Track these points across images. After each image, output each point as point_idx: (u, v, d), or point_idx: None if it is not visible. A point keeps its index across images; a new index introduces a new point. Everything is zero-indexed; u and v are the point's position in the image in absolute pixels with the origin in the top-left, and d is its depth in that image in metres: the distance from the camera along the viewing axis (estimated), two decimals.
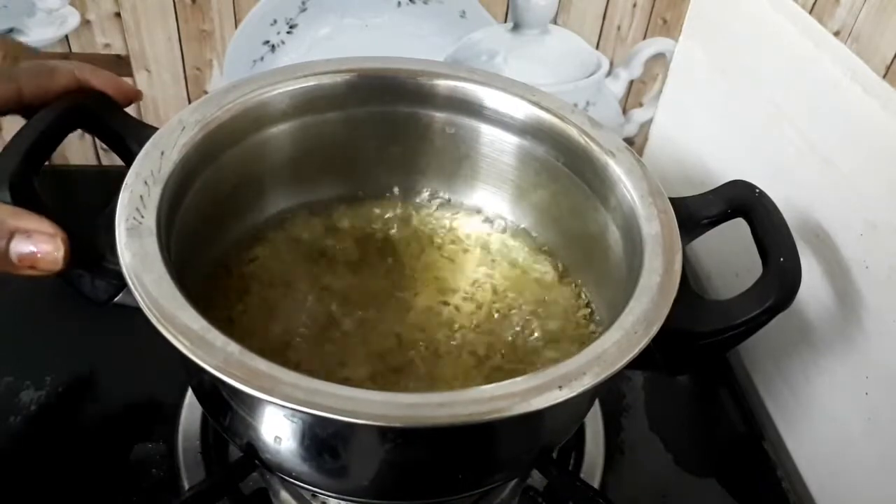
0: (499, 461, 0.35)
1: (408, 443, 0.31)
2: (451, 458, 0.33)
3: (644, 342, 0.30)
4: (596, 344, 0.30)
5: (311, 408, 0.26)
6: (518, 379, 0.28)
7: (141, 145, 0.35)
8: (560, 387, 0.27)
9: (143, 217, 0.31)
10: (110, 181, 0.33)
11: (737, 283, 0.54)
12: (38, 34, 0.64)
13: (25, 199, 0.32)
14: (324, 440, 0.31)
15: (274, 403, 0.26)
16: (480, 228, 0.47)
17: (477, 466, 0.34)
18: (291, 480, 0.34)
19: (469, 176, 0.47)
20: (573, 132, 0.41)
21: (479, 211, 0.48)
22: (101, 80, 0.38)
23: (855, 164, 0.41)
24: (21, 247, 0.30)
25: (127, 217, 0.31)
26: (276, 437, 0.32)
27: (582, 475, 0.44)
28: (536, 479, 0.42)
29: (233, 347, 0.27)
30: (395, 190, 0.48)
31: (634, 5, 0.61)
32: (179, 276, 0.30)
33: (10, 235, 0.30)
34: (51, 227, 0.31)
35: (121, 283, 0.30)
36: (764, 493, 0.47)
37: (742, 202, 0.39)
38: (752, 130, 0.51)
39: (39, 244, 0.30)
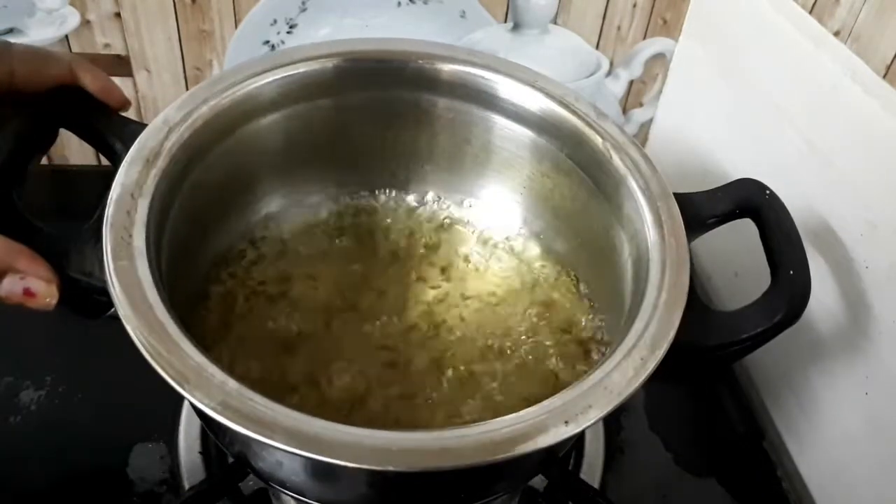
0: (500, 480, 0.34)
1: (409, 478, 0.29)
2: (452, 485, 0.32)
3: (651, 367, 0.29)
4: (599, 370, 0.29)
5: (312, 452, 0.25)
6: (522, 413, 0.27)
7: (123, 143, 0.33)
8: (566, 422, 0.27)
9: (131, 236, 0.30)
10: (110, 181, 0.32)
11: (737, 283, 0.54)
12: (38, 34, 0.64)
13: (3, 211, 0.31)
14: (323, 472, 0.30)
15: (276, 448, 0.25)
16: (480, 221, 0.47)
17: (478, 487, 0.33)
18: (285, 492, 0.34)
19: (468, 166, 0.45)
20: (577, 121, 0.39)
21: (478, 203, 0.47)
22: (94, 81, 0.36)
23: (855, 164, 0.41)
24: (13, 287, 0.29)
25: (114, 237, 0.30)
26: (278, 462, 0.31)
27: (582, 475, 0.44)
28: (536, 479, 0.42)
29: (231, 385, 0.26)
30: (393, 183, 0.47)
31: (634, 5, 0.61)
32: (172, 286, 0.29)
33: (3, 274, 0.29)
34: (46, 271, 0.30)
35: (111, 301, 0.29)
36: (764, 493, 0.47)
37: (751, 202, 0.37)
38: (752, 130, 0.51)
39: (32, 289, 0.29)
